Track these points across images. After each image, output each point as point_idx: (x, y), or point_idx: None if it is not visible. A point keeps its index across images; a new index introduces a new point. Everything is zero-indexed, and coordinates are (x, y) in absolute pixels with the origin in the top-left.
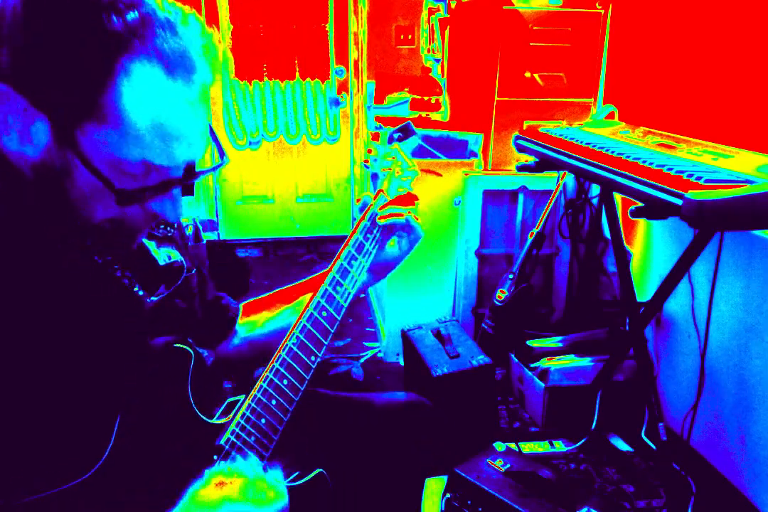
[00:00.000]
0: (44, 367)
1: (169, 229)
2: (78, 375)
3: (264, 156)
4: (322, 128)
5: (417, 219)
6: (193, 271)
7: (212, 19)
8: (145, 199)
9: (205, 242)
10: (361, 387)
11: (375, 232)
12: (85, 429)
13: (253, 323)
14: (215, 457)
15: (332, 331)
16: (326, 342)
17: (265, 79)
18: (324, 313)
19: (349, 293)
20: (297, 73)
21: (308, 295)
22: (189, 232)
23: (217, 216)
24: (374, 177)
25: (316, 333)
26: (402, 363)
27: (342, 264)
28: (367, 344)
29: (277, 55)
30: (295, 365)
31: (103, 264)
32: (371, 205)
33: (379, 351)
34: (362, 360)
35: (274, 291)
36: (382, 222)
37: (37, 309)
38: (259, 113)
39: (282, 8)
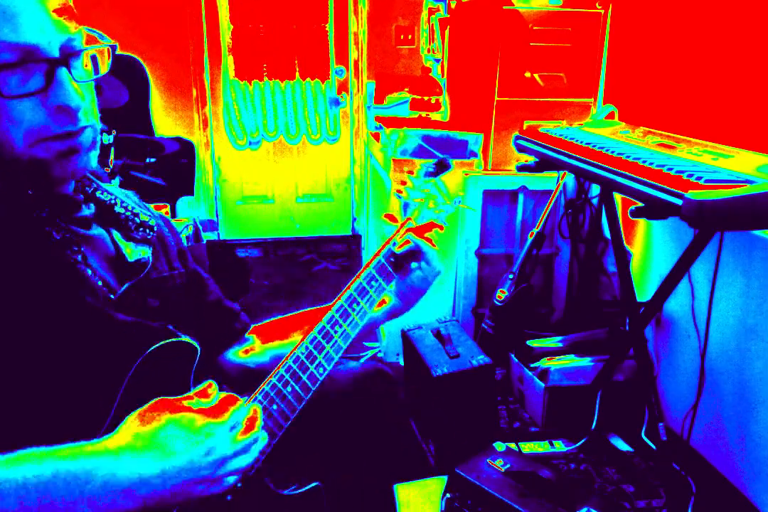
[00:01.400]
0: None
1: (147, 231)
2: (48, 355)
3: (264, 156)
4: (322, 128)
5: (434, 246)
6: (175, 272)
7: (212, 19)
8: (10, 81)
9: (205, 242)
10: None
11: (398, 256)
12: (77, 418)
13: (278, 341)
14: None
15: (342, 346)
16: (336, 358)
17: (265, 79)
18: (337, 327)
19: (365, 311)
20: (297, 73)
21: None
22: (189, 232)
23: (217, 216)
24: (406, 206)
25: (326, 346)
26: (402, 363)
27: (361, 283)
28: (367, 344)
29: (277, 55)
30: (300, 374)
31: (62, 241)
32: (398, 230)
33: (379, 351)
34: (362, 360)
35: (301, 311)
36: (399, 250)
37: None
38: (259, 113)
39: (282, 8)
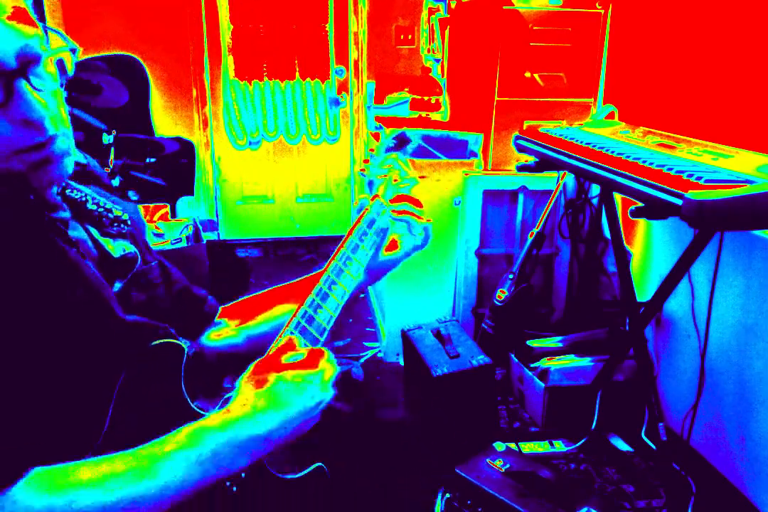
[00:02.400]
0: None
1: (122, 225)
2: (56, 353)
3: (264, 156)
4: (322, 128)
5: (422, 218)
6: (153, 264)
7: (212, 19)
8: None
9: (205, 242)
10: (361, 387)
11: (372, 234)
12: (77, 416)
13: (250, 322)
14: None
15: (327, 328)
16: (321, 339)
17: (265, 79)
18: (319, 311)
19: (345, 292)
20: (297, 73)
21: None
22: (189, 232)
23: (217, 216)
24: (370, 184)
25: (311, 330)
26: (402, 363)
27: (338, 265)
28: (367, 344)
29: (277, 55)
30: None
31: (65, 237)
32: (367, 208)
33: (379, 351)
34: (362, 360)
35: (270, 288)
36: (375, 227)
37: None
38: (259, 113)
39: (282, 8)
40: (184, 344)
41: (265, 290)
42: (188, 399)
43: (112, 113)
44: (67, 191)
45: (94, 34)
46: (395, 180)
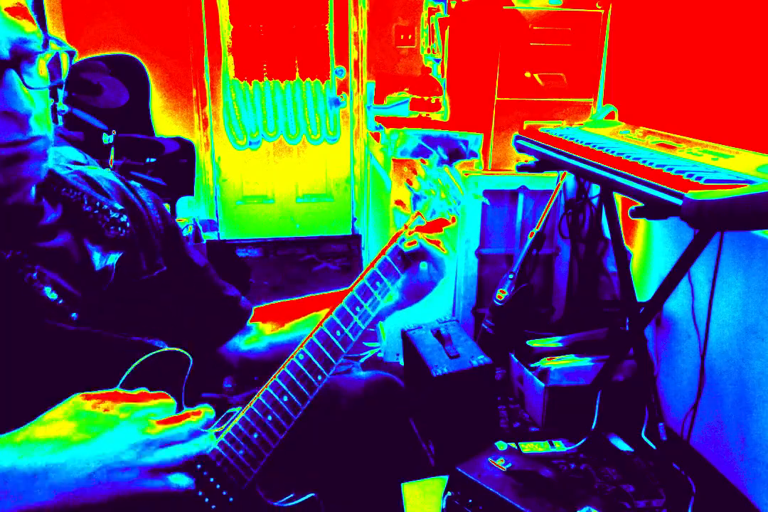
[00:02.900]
0: None
1: (120, 229)
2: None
3: (264, 156)
4: (322, 128)
5: (443, 250)
6: (156, 272)
7: (212, 19)
8: None
9: (205, 242)
10: None
11: (405, 255)
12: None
13: (279, 328)
14: (198, 466)
15: (344, 352)
16: (336, 363)
17: (265, 79)
18: (338, 333)
19: (369, 315)
20: (297, 73)
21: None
22: (189, 232)
23: (217, 216)
24: (416, 198)
25: (326, 353)
26: (402, 363)
27: (365, 283)
28: (367, 344)
29: (277, 55)
30: (297, 382)
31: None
32: (406, 225)
33: (379, 351)
34: (362, 360)
35: (306, 296)
36: (406, 248)
37: None
38: (259, 113)
39: (282, 8)
40: (186, 352)
41: (301, 297)
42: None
43: (112, 113)
44: (63, 190)
45: (94, 34)
46: (443, 196)
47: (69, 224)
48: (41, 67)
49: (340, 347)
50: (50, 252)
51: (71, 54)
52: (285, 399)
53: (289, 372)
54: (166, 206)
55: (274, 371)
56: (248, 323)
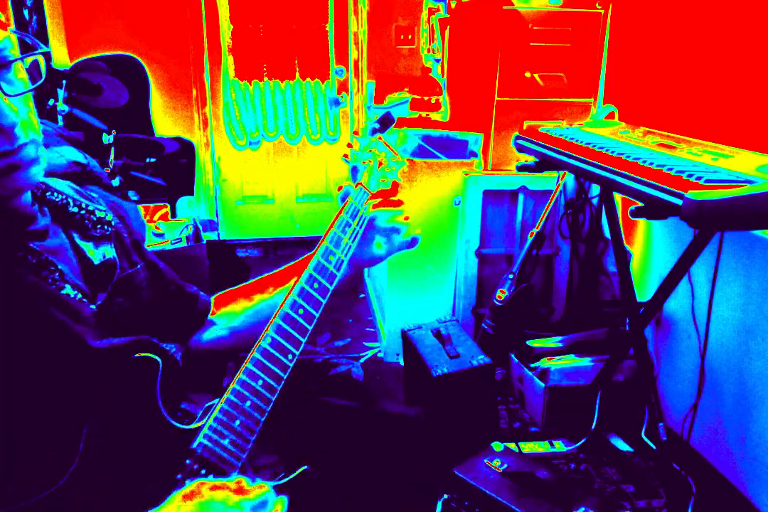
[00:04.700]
0: None
1: (105, 227)
2: (26, 389)
3: (264, 156)
4: (322, 128)
5: (406, 218)
6: (138, 267)
7: (212, 19)
8: None
9: (205, 242)
10: (360, 387)
11: (354, 226)
12: (50, 437)
13: (232, 313)
14: (188, 461)
15: (309, 329)
16: (303, 340)
17: (265, 79)
18: (300, 311)
19: (327, 288)
20: (297, 73)
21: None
22: (189, 232)
23: (217, 216)
24: (354, 170)
25: (292, 332)
26: (402, 363)
27: (319, 260)
28: (367, 344)
29: (277, 55)
30: (269, 364)
31: (38, 264)
32: (350, 198)
33: (379, 351)
34: (362, 360)
35: (251, 281)
36: (358, 218)
37: None
38: (259, 113)
39: (282, 8)
40: (162, 355)
41: (246, 283)
42: (165, 414)
43: (112, 113)
44: (47, 194)
45: (94, 34)
46: (380, 164)
47: (59, 225)
48: (19, 71)
49: (305, 324)
50: (50, 251)
51: (45, 54)
52: (260, 383)
53: (259, 357)
54: (168, 208)
55: (241, 354)
56: (209, 317)
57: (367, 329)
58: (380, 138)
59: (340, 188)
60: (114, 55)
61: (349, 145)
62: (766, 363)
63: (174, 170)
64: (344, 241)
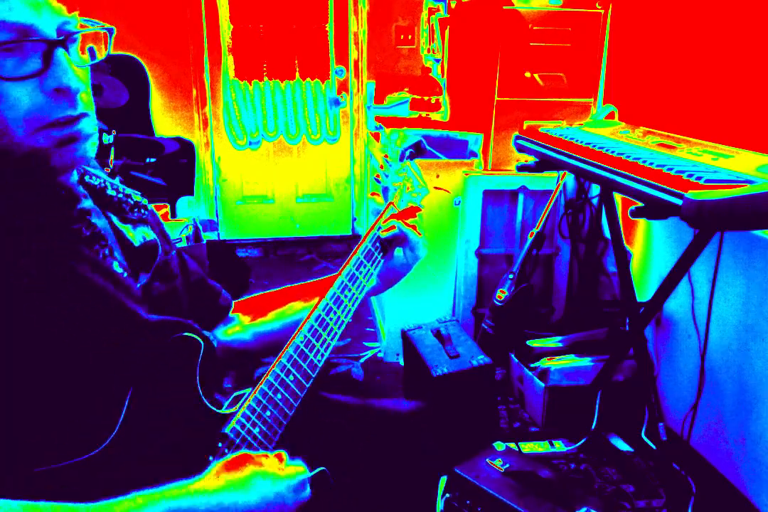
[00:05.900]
0: (48, 348)
1: (143, 211)
2: (80, 356)
3: (264, 156)
4: (322, 128)
5: (419, 233)
6: (173, 253)
7: (212, 19)
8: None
9: (205, 242)
10: (360, 387)
11: (383, 241)
12: (95, 405)
13: (262, 319)
14: (220, 445)
15: (339, 332)
16: (333, 343)
17: (265, 79)
18: (332, 314)
19: (357, 298)
20: (297, 73)
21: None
22: (189, 232)
23: (217, 216)
24: (385, 190)
25: (323, 333)
26: (402, 363)
27: (351, 269)
28: (367, 344)
29: (277, 55)
30: (301, 362)
31: (91, 237)
32: (381, 215)
33: (379, 351)
34: (362, 360)
35: (284, 287)
36: (384, 235)
37: (34, 292)
38: (259, 113)
39: (282, 8)
40: (205, 339)
41: (279, 288)
42: (202, 395)
43: (112, 113)
44: (86, 178)
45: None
46: (408, 188)
47: (98, 207)
48: (82, 47)
49: (335, 327)
50: (93, 232)
51: (110, 31)
52: (291, 378)
53: (293, 354)
54: (168, 208)
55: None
56: (230, 314)
57: (367, 329)
58: (408, 164)
59: (375, 193)
60: (114, 55)
61: (381, 167)
62: (766, 363)
63: (174, 170)
64: (374, 253)
